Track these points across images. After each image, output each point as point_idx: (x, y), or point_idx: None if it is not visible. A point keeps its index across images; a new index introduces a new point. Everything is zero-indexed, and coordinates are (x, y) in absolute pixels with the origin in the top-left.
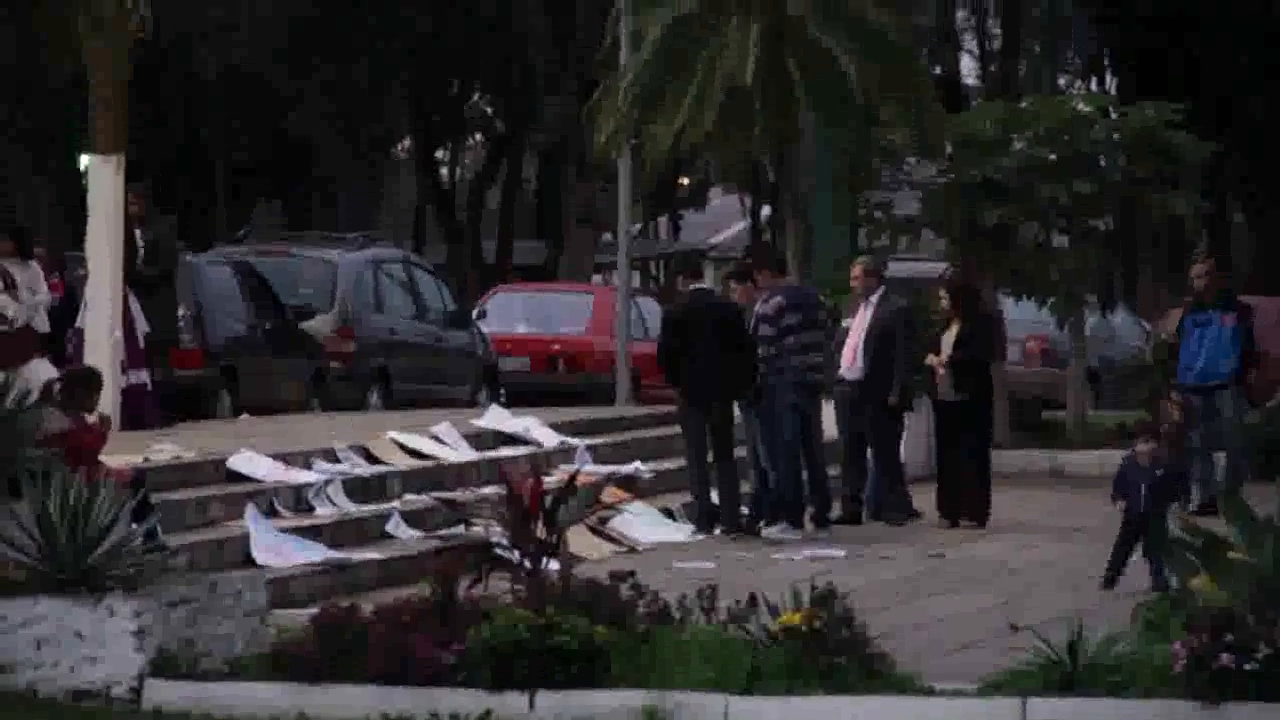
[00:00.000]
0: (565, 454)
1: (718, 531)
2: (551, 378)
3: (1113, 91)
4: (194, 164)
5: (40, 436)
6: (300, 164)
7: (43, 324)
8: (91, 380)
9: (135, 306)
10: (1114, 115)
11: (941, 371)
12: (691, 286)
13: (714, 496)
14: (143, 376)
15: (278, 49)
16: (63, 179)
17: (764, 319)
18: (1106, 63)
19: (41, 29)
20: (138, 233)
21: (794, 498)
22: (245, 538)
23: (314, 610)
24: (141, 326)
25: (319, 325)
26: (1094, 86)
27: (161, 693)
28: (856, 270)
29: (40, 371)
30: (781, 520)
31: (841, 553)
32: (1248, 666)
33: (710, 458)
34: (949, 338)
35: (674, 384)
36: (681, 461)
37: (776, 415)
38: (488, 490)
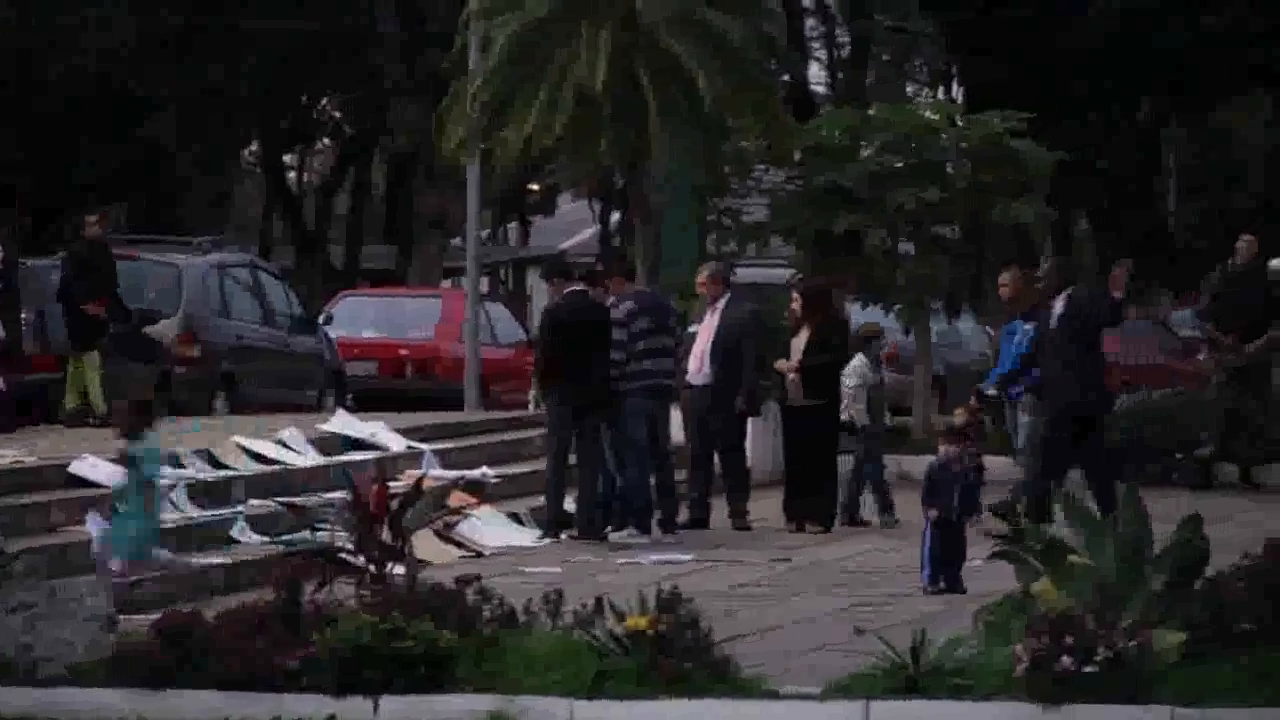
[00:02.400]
0: (412, 459)
1: (564, 536)
2: (399, 382)
3: (959, 100)
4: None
5: None
6: (148, 168)
7: None
8: None
9: None
10: (960, 124)
11: (791, 376)
12: (567, 289)
13: (568, 502)
14: None
15: (128, 53)
16: None
17: (615, 324)
18: (953, 71)
19: None
20: None
21: (642, 502)
22: (87, 543)
23: (157, 615)
24: None
25: (164, 329)
26: (941, 95)
27: (1, 698)
28: (702, 276)
29: None
30: (629, 525)
31: (688, 557)
32: (1088, 668)
33: (575, 461)
34: (798, 343)
35: (553, 386)
36: (528, 466)
37: (626, 420)
38: (334, 495)
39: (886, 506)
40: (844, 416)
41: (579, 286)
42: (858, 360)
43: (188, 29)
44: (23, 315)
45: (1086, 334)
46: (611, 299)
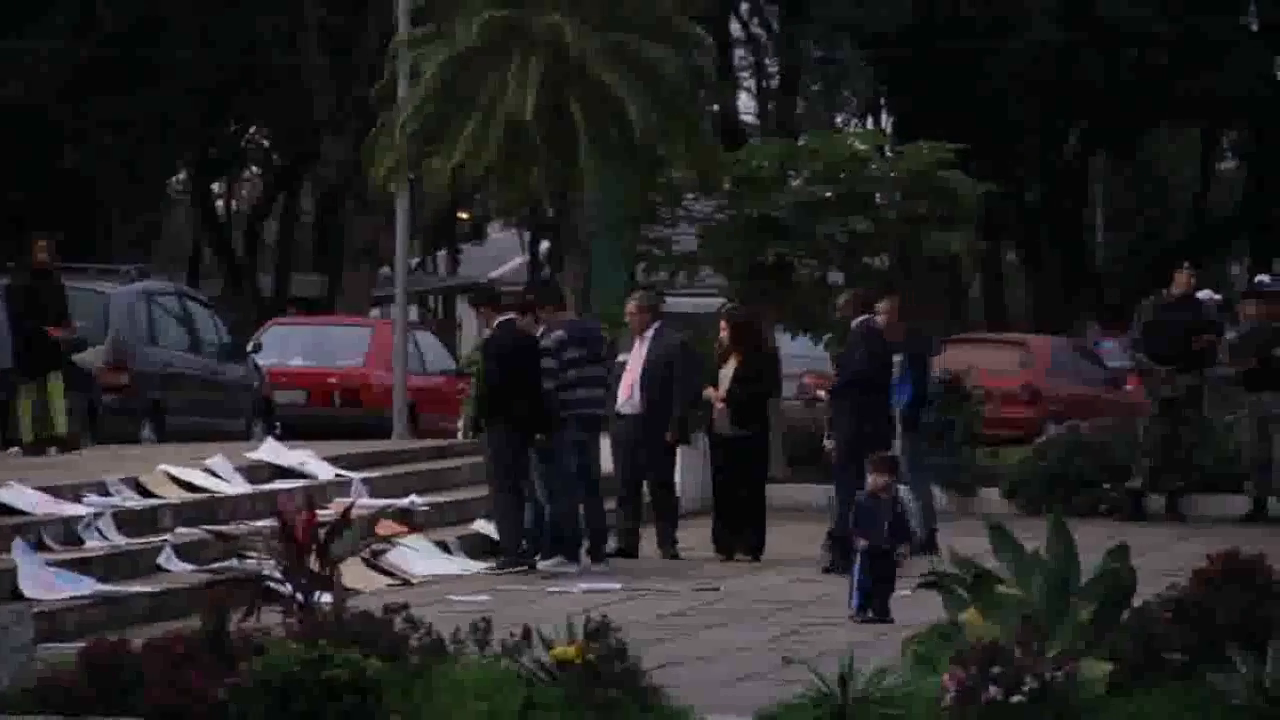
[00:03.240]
0: (341, 487)
1: (540, 562)
2: (328, 411)
3: (889, 130)
4: None
5: None
6: (76, 197)
7: None
8: None
9: None
10: (890, 154)
11: (720, 406)
12: (500, 319)
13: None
14: None
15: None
16: None
17: (545, 353)
18: (882, 102)
19: None
20: None
21: (571, 531)
22: (12, 571)
23: (83, 644)
24: None
25: (91, 357)
26: (870, 125)
27: None
28: (631, 306)
29: None
30: (557, 554)
31: (617, 586)
32: (1015, 698)
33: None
34: (728, 372)
35: (497, 416)
36: (456, 495)
37: (556, 449)
38: (261, 523)
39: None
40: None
41: (508, 316)
42: None
43: (115, 59)
44: None
45: (879, 366)
46: (541, 328)
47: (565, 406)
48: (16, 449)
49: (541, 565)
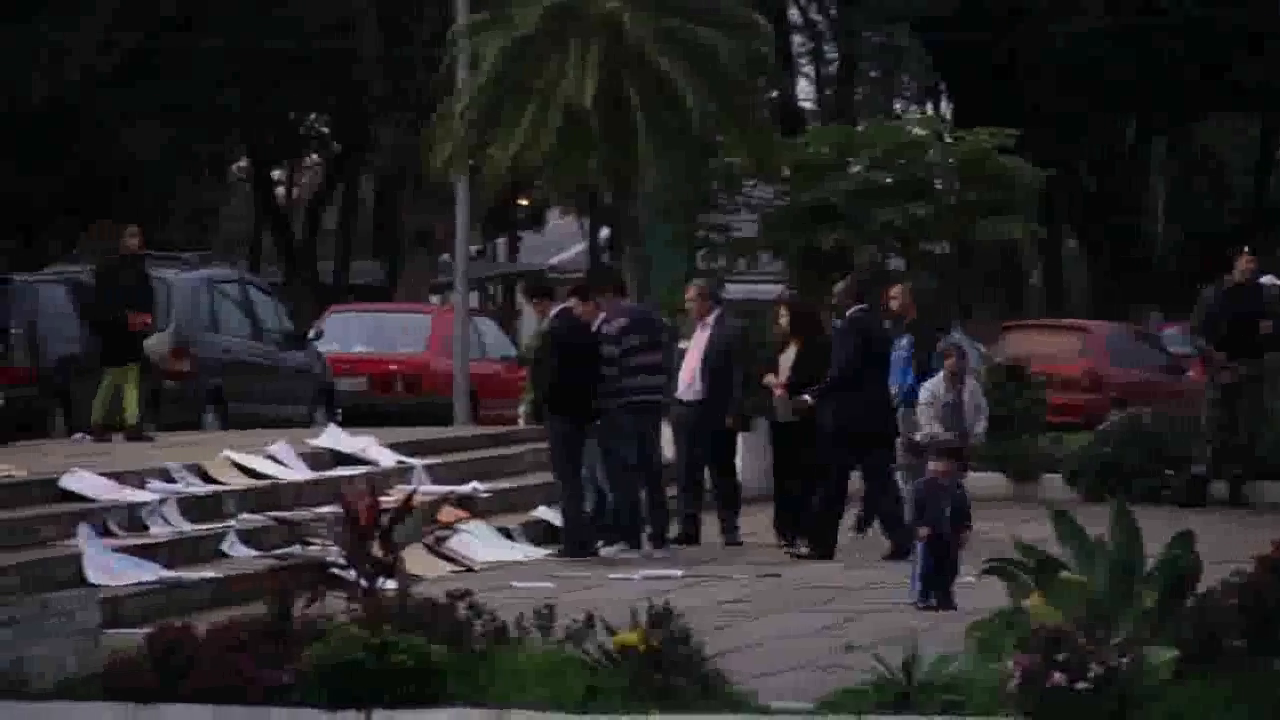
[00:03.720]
0: (402, 474)
1: (615, 548)
2: (389, 398)
3: (948, 116)
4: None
5: None
6: (133, 185)
7: None
8: None
9: None
10: (948, 140)
11: (779, 392)
12: (558, 307)
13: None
14: None
15: (107, 74)
16: None
17: (608, 340)
18: (941, 88)
19: None
20: None
21: (630, 518)
22: (77, 557)
23: (148, 630)
24: None
25: (154, 344)
26: (929, 111)
27: None
28: (691, 293)
29: None
30: (620, 540)
31: (679, 572)
32: (1079, 685)
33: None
34: (787, 358)
35: (559, 404)
36: (517, 481)
37: (615, 436)
38: (324, 510)
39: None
40: (918, 436)
41: (566, 304)
42: (934, 380)
43: (175, 45)
44: (12, 329)
45: (869, 356)
46: (601, 316)
47: (624, 394)
48: (82, 435)
49: (604, 552)
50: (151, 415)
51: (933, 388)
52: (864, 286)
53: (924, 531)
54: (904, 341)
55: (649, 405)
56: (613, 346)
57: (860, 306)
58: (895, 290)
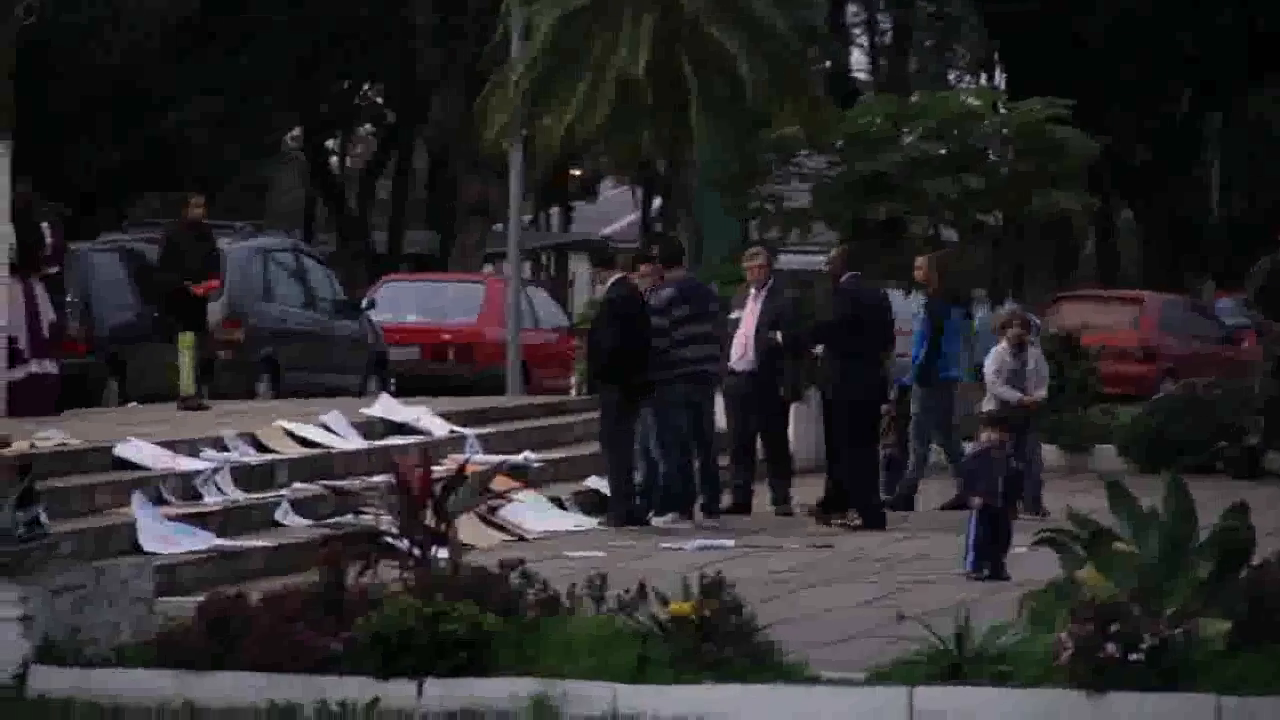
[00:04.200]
0: (455, 443)
1: (660, 519)
2: (442, 367)
3: (1001, 87)
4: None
5: None
6: (182, 156)
7: None
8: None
9: (42, 297)
10: (1002, 110)
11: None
12: (614, 277)
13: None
14: (47, 366)
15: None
16: None
17: (655, 311)
18: (995, 58)
19: None
20: (44, 226)
21: (682, 488)
22: (132, 525)
23: (201, 598)
24: (48, 316)
25: (207, 313)
26: (983, 82)
27: (46, 680)
28: (759, 260)
29: None
30: (671, 511)
31: (730, 543)
32: (1132, 656)
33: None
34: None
35: (614, 374)
36: (570, 451)
37: (668, 406)
38: (377, 479)
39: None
40: (986, 405)
41: (623, 274)
42: (999, 347)
43: (229, 16)
44: (67, 299)
45: (854, 323)
46: (650, 286)
47: (675, 364)
48: (135, 403)
49: (656, 521)
50: (205, 384)
51: (999, 355)
52: (858, 254)
53: (976, 501)
54: (918, 315)
55: (701, 375)
56: (661, 317)
57: (852, 274)
58: (919, 261)
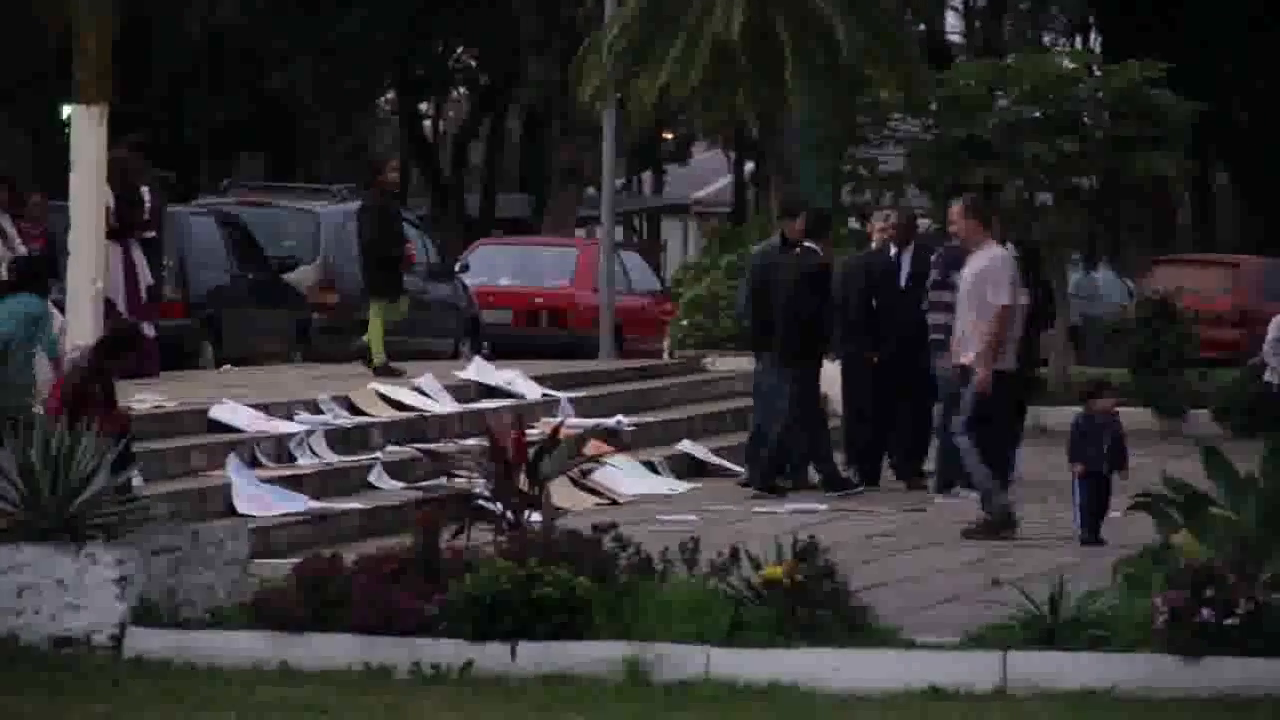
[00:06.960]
0: (548, 407)
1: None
2: (534, 331)
3: (1097, 49)
4: (176, 117)
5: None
6: (283, 118)
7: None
8: (132, 338)
9: (140, 260)
10: (1098, 73)
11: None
12: (803, 245)
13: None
14: (145, 329)
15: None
16: (40, 132)
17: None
18: (1091, 20)
19: None
20: (144, 190)
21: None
22: (227, 487)
23: (296, 560)
24: (145, 279)
25: (302, 277)
26: (1079, 44)
27: (143, 641)
28: (895, 219)
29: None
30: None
31: (823, 507)
32: (1228, 621)
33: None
34: None
35: (821, 342)
36: (662, 415)
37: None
38: (470, 442)
39: None
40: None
41: (810, 244)
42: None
43: None
44: (164, 262)
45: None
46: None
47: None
48: (229, 366)
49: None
50: (298, 347)
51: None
52: (815, 222)
53: (1079, 468)
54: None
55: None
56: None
57: (807, 245)
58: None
